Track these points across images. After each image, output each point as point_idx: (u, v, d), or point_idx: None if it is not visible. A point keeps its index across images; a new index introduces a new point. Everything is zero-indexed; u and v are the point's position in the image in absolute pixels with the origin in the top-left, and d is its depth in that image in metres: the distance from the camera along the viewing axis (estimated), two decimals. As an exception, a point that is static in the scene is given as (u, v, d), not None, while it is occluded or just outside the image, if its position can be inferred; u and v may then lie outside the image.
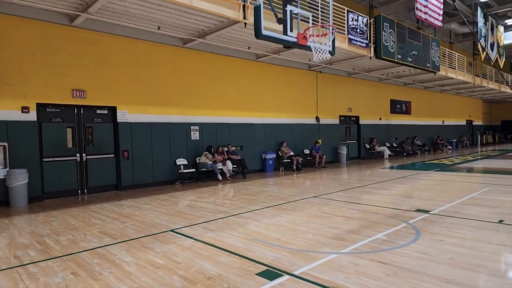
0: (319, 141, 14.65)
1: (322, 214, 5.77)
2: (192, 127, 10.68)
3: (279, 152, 13.21)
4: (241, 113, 12.18)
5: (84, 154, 8.60)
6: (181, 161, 10.20)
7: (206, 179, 10.65)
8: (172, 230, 4.99)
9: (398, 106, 20.96)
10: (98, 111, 8.94)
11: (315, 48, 6.97)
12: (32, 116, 7.70)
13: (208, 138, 11.05)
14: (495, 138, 33.21)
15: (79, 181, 8.51)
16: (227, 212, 6.02)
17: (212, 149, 10.58)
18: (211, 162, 10.45)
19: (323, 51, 6.96)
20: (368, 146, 17.97)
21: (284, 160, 13.14)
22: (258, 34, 6.51)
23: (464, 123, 28.94)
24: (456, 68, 19.70)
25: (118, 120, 9.17)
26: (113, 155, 9.12)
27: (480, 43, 20.58)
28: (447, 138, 24.61)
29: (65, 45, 8.23)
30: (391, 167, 13.21)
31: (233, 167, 10.96)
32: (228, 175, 10.75)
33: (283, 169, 13.19)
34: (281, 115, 13.66)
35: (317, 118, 15.24)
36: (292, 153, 13.26)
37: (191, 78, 10.71)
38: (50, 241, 4.63)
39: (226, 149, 11.29)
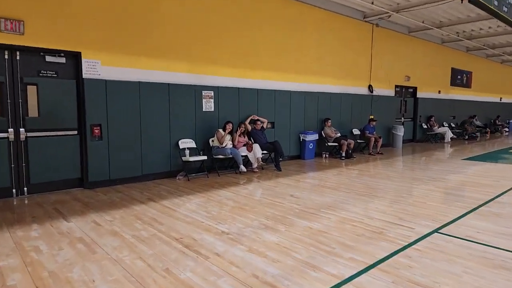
0: (372, 117, 10.93)
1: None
2: (204, 92, 7.10)
3: (322, 133, 9.59)
4: (274, 75, 8.49)
5: (22, 130, 5.16)
6: (186, 143, 6.73)
7: (222, 170, 7.20)
8: None
9: (459, 76, 16.83)
10: (48, 58, 5.39)
11: None
12: None
13: (227, 109, 7.48)
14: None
15: (14, 174, 5.17)
16: None
17: (231, 127, 7.04)
18: (231, 147, 6.95)
19: None
20: (426, 126, 14.15)
21: (329, 144, 9.54)
22: None
23: (518, 101, 24.54)
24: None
25: (85, 76, 5.64)
26: (75, 132, 5.69)
27: None
28: (503, 118, 20.52)
29: None
30: (475, 158, 9.48)
31: (262, 153, 7.45)
32: (255, 165, 7.26)
33: (327, 155, 9.64)
34: (326, 81, 9.90)
35: (369, 88, 11.42)
36: (339, 135, 9.64)
37: (205, 17, 6.99)
38: None
39: (254, 126, 7.75)
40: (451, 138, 14.05)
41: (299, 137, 9.13)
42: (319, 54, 9.56)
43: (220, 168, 7.15)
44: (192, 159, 6.49)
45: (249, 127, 7.67)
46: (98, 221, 4.02)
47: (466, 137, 15.46)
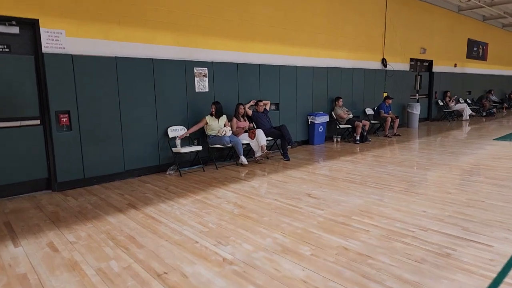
0: (388, 95, 9.78)
1: None
2: (196, 69, 5.92)
3: (333, 114, 8.48)
4: (277, 47, 7.27)
5: (-37, 121, 4.08)
6: (177, 132, 5.62)
7: (221, 162, 6.14)
8: None
9: (475, 48, 15.56)
10: (-8, 27, 4.24)
11: None
12: None
13: (224, 89, 6.33)
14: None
15: (-44, 178, 4.10)
16: None
17: (216, 108, 5.85)
18: (229, 135, 5.84)
19: None
20: (442, 103, 13.00)
21: (341, 126, 8.44)
22: None
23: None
24: None
25: (45, 50, 4.46)
26: (37, 122, 4.57)
27: None
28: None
29: None
30: (506, 137, 8.42)
31: (266, 140, 6.34)
32: (258, 155, 6.18)
33: (338, 139, 8.55)
34: (336, 54, 8.68)
35: (383, 61, 10.21)
36: (351, 116, 8.53)
37: (192, -26, 5.73)
38: None
39: (254, 108, 6.64)
40: (469, 115, 12.94)
41: (307, 120, 8.02)
42: (329, 23, 8.31)
43: (218, 159, 6.09)
44: (184, 150, 5.40)
45: (249, 112, 6.55)
46: (56, 243, 2.97)
47: (484, 113, 14.37)
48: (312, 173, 5.29)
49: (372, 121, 9.33)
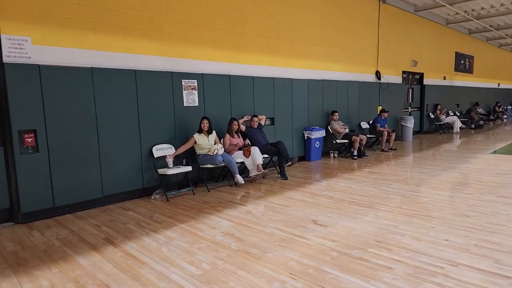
0: (383, 108, 9.50)
1: None
2: (185, 81, 5.42)
3: (329, 128, 8.09)
4: (271, 58, 6.88)
5: None
6: (163, 151, 5.05)
7: (213, 183, 5.58)
8: None
9: (462, 61, 15.70)
10: None
11: None
12: None
13: (216, 103, 5.84)
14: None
15: None
16: None
17: (206, 124, 5.32)
18: (221, 153, 5.30)
19: None
20: (433, 116, 12.86)
21: (338, 141, 8.05)
22: None
23: (514, 86, 23.84)
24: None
25: (6, 59, 3.87)
26: (-4, 143, 3.96)
27: None
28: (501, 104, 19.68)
29: None
30: (502, 150, 8.20)
31: (262, 157, 5.82)
32: (254, 173, 5.65)
33: (335, 155, 8.13)
34: (331, 66, 8.37)
35: (377, 74, 9.97)
36: (347, 130, 8.16)
37: (179, -20, 5.30)
38: None
39: (248, 124, 6.17)
40: (460, 128, 12.82)
41: (303, 135, 7.59)
42: (323, 34, 8.00)
43: (209, 179, 5.53)
44: (171, 171, 4.82)
45: (243, 127, 6.06)
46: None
47: (473, 126, 14.34)
48: (314, 194, 4.79)
49: (367, 135, 9.00)
